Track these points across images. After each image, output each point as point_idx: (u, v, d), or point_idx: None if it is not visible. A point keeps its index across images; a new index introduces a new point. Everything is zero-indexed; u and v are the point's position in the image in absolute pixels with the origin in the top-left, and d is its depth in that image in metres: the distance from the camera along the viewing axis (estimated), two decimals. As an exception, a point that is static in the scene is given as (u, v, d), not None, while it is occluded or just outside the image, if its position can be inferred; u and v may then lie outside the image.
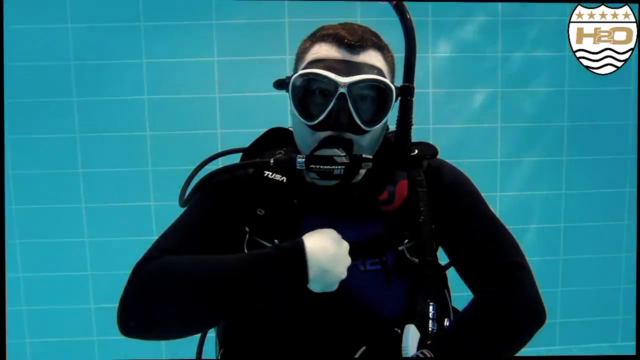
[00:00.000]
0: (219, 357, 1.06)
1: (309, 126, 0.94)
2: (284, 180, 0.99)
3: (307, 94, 0.94)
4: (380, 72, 0.94)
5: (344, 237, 0.93)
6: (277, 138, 1.08)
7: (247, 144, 1.09)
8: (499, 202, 2.61)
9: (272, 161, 0.96)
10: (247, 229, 0.98)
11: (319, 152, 0.92)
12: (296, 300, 0.92)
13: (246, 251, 0.97)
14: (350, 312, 0.96)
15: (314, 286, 0.87)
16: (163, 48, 2.45)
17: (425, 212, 0.98)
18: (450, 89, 2.57)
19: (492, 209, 1.07)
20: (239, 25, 2.46)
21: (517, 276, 0.98)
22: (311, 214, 0.97)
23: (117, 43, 2.44)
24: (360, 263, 0.97)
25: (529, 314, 0.97)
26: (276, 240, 0.95)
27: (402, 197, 0.99)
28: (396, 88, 0.95)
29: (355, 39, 0.93)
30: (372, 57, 0.95)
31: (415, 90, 0.96)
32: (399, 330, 0.94)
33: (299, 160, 0.93)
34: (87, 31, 2.42)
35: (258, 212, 0.98)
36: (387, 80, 0.94)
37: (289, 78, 0.96)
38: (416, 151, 1.03)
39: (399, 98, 0.96)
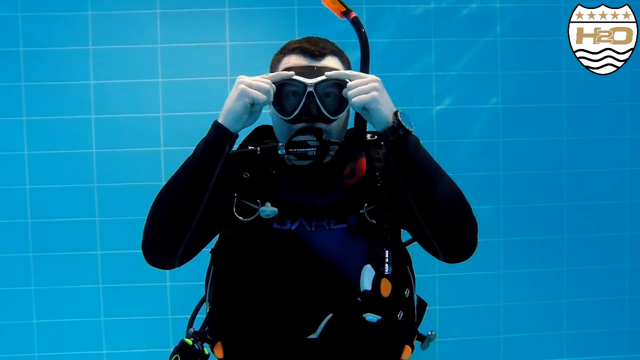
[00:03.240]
0: (206, 315, 1.24)
1: (286, 121, 1.14)
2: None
3: (283, 95, 1.14)
4: None
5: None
6: (262, 133, 1.30)
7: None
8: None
9: (258, 149, 1.16)
10: (235, 195, 1.16)
11: (295, 139, 1.11)
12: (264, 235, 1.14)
13: (235, 213, 1.16)
14: (317, 268, 1.14)
15: (226, 119, 1.09)
16: (109, 69, 2.57)
17: (382, 182, 1.19)
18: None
19: None
20: (182, 49, 2.59)
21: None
22: (288, 184, 1.19)
23: (65, 64, 2.56)
24: (325, 223, 1.16)
25: (474, 227, 1.19)
26: (259, 200, 1.15)
27: (361, 171, 1.19)
28: None
29: (317, 48, 1.16)
30: (331, 61, 1.17)
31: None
32: (360, 300, 1.10)
33: (280, 146, 1.12)
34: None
35: (244, 175, 1.16)
36: (346, 79, 1.13)
37: None
38: (375, 137, 1.24)
39: None
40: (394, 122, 1.07)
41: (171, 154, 2.57)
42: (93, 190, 2.56)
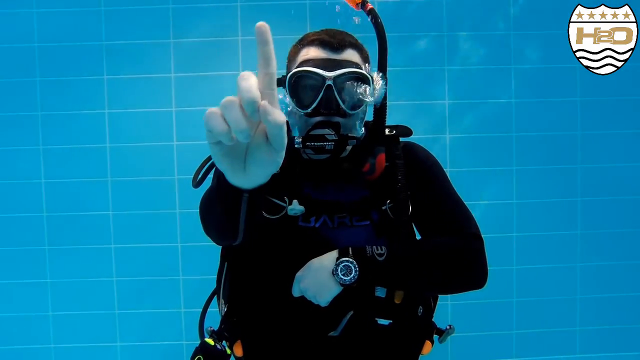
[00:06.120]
0: (224, 314, 1.21)
1: (304, 114, 1.11)
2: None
3: (301, 88, 1.12)
4: (358, 66, 1.13)
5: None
6: None
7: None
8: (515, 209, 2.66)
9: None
10: None
11: (312, 132, 1.09)
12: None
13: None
14: None
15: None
16: (122, 64, 2.58)
17: (402, 180, 1.17)
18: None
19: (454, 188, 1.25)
20: (194, 44, 2.59)
21: (476, 243, 1.16)
22: (310, 181, 1.16)
23: (80, 61, 2.58)
24: (347, 220, 1.14)
25: (476, 271, 1.14)
26: (286, 197, 1.13)
27: (380, 167, 1.16)
28: (372, 78, 1.14)
29: (336, 41, 1.13)
30: (350, 54, 1.13)
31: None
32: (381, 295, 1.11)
33: (297, 140, 1.09)
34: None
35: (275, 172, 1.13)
36: (365, 72, 1.13)
37: (284, 77, 1.14)
38: (394, 131, 1.22)
39: (375, 87, 1.15)
40: (341, 283, 1.05)
41: (183, 149, 2.58)
42: (107, 184, 2.59)
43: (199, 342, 1.22)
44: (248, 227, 0.87)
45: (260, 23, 0.63)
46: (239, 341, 1.17)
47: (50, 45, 2.57)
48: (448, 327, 1.27)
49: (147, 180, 2.58)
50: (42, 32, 2.57)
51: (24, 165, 2.58)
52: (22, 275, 2.60)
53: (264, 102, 0.62)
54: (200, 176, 1.20)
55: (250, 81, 0.62)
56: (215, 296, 1.31)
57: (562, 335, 2.70)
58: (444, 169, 1.26)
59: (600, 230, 2.68)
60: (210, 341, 1.19)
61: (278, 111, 0.64)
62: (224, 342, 1.20)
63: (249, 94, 0.61)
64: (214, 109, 0.65)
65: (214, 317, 1.30)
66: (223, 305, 1.23)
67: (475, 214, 1.21)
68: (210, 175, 1.16)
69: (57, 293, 2.61)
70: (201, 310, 1.38)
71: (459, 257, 1.12)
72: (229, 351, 1.19)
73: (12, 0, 2.56)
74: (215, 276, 1.28)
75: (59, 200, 2.59)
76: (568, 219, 2.67)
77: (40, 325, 2.61)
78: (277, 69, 0.67)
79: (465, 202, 1.23)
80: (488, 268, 1.16)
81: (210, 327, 1.25)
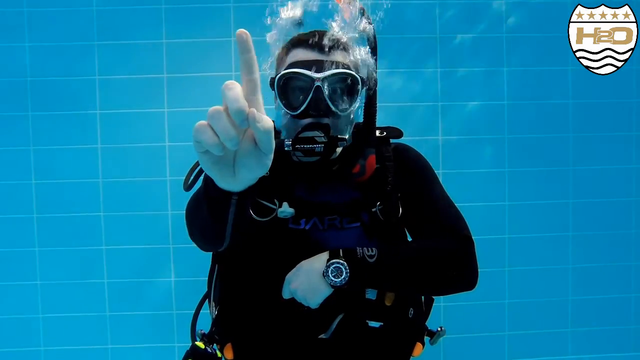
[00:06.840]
0: (215, 316, 1.21)
1: (293, 116, 1.11)
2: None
3: (290, 89, 1.11)
4: (347, 67, 1.13)
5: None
6: None
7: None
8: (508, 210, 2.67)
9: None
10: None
11: (302, 135, 1.08)
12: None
13: (251, 212, 1.13)
14: None
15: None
16: (114, 65, 2.57)
17: (392, 182, 1.17)
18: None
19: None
20: (187, 44, 2.58)
21: (467, 245, 1.15)
22: (300, 183, 1.16)
23: (71, 61, 2.56)
24: (337, 222, 1.14)
25: (466, 272, 1.14)
26: (276, 200, 1.13)
27: (371, 169, 1.16)
28: (362, 79, 1.13)
29: (325, 42, 1.11)
30: (340, 55, 1.13)
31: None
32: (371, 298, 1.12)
33: (286, 142, 1.08)
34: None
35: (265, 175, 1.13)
36: (354, 73, 1.12)
37: (273, 79, 1.13)
38: (385, 133, 1.23)
39: (365, 88, 1.16)
40: (332, 284, 1.05)
41: (176, 149, 2.57)
42: (98, 185, 2.57)
43: (190, 345, 1.21)
44: (234, 231, 0.88)
45: (241, 31, 0.65)
46: (229, 344, 1.17)
47: (42, 44, 2.55)
48: (439, 329, 1.27)
49: (139, 181, 2.56)
50: (31, 30, 2.55)
51: (14, 166, 2.56)
52: (11, 276, 2.57)
53: (252, 110, 0.64)
54: (191, 179, 1.19)
55: (236, 90, 0.63)
56: (207, 299, 1.31)
57: (554, 337, 2.71)
58: (435, 171, 1.26)
59: (591, 232, 2.69)
60: (201, 344, 1.18)
61: (266, 117, 0.66)
62: (214, 345, 1.20)
63: (237, 103, 0.62)
64: (202, 122, 0.66)
65: (208, 320, 1.29)
66: (214, 308, 1.22)
67: (467, 216, 1.21)
68: (202, 178, 1.16)
69: (47, 295, 2.58)
70: (193, 312, 1.37)
71: (449, 258, 1.12)
72: (219, 354, 1.19)
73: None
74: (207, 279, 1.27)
75: (50, 202, 2.56)
76: (560, 221, 2.69)
77: (30, 327, 2.58)
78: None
79: (456, 204, 1.22)
80: (479, 269, 1.16)
81: (201, 330, 1.24)
